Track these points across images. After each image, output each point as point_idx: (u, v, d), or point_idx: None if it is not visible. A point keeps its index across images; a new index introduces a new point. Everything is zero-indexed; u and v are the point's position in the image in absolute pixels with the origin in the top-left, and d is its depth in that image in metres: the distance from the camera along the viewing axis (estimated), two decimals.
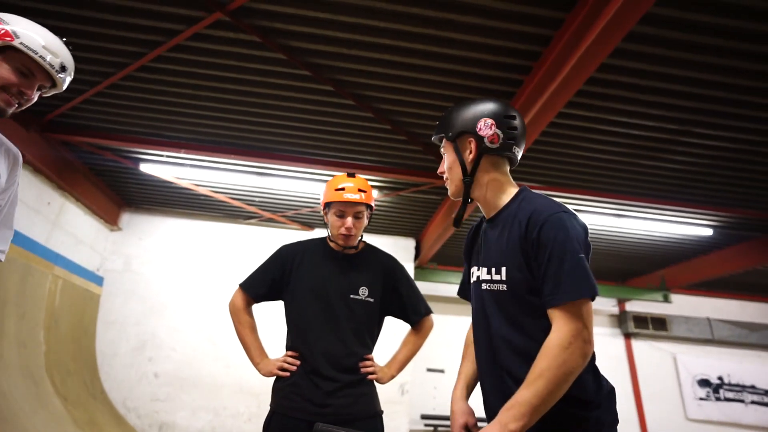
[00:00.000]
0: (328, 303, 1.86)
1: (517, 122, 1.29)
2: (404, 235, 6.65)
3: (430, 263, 7.20)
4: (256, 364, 1.94)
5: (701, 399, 7.44)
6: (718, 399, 7.46)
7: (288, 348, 1.91)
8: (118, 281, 6.00)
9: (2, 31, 1.22)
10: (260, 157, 4.59)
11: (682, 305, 7.86)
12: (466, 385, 1.41)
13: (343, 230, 1.91)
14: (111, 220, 5.99)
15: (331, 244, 2.01)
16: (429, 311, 2.06)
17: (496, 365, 1.24)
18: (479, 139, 1.27)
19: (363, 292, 1.90)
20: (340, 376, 1.78)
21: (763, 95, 3.35)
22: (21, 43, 1.23)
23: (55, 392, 4.36)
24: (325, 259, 1.97)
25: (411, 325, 2.08)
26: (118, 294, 5.94)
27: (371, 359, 1.89)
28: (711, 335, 7.71)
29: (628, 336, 7.82)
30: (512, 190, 1.32)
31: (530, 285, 1.18)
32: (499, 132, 1.26)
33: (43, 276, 4.75)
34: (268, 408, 1.87)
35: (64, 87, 1.35)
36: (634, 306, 7.90)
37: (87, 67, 3.55)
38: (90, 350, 5.54)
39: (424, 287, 7.43)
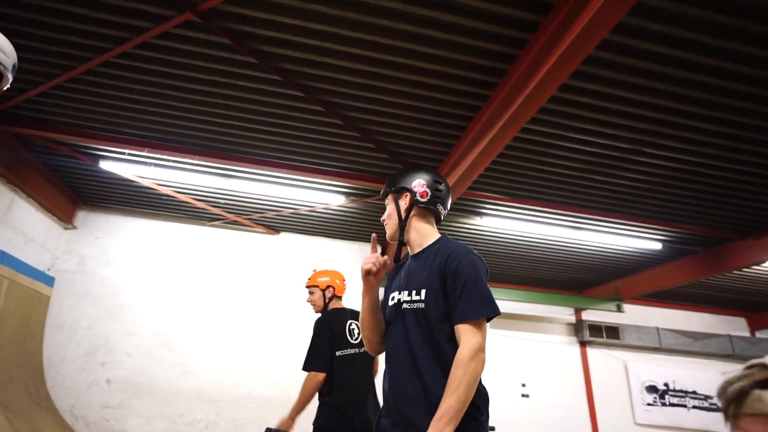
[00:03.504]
0: None
1: (442, 187, 1.70)
2: (370, 241, 6.68)
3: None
4: None
5: (649, 404, 7.81)
6: (663, 404, 7.85)
7: None
8: (71, 282, 5.72)
9: None
10: (226, 159, 4.53)
11: (634, 315, 8.25)
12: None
13: None
14: (65, 217, 5.72)
15: None
16: (308, 368, 2.81)
17: (413, 368, 1.49)
18: (413, 194, 1.68)
19: None
20: None
21: (707, 122, 3.61)
22: None
23: None
24: None
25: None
26: (70, 295, 5.66)
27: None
28: (659, 343, 8.12)
29: (583, 344, 8.12)
30: (435, 236, 1.67)
31: (442, 305, 1.49)
32: (428, 191, 1.67)
33: None
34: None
35: (8, 74, 1.18)
36: (590, 315, 8.22)
37: (45, 59, 3.42)
38: (36, 355, 5.24)
39: None
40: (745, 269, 6.18)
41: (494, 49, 3.07)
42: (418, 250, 1.66)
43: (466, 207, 5.28)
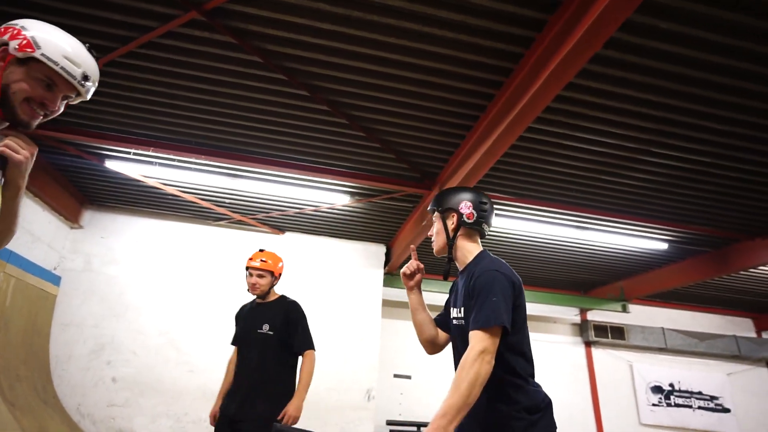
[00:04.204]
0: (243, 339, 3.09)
1: (487, 207, 1.80)
2: (375, 241, 6.68)
3: (399, 270, 7.25)
4: None
5: (654, 405, 7.78)
6: (669, 405, 7.82)
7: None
8: (77, 281, 5.75)
9: (23, 41, 1.14)
10: (232, 158, 4.54)
11: (639, 315, 8.21)
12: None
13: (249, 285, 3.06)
14: (72, 217, 5.75)
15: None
16: (311, 347, 2.94)
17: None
18: (460, 215, 1.78)
19: (265, 327, 2.94)
20: None
21: (715, 121, 3.58)
22: (42, 54, 1.15)
23: (1, 398, 4.13)
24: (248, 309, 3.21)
25: (299, 355, 2.97)
26: (76, 294, 5.69)
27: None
28: (664, 344, 8.08)
29: (588, 344, 8.09)
30: (476, 253, 1.79)
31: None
32: (474, 212, 1.78)
33: None
34: None
35: (89, 96, 1.29)
36: (595, 315, 8.19)
37: None
38: (43, 353, 5.28)
39: (393, 293, 7.56)
40: (752, 270, 6.12)
41: (500, 47, 3.05)
42: (462, 267, 1.82)
43: None
